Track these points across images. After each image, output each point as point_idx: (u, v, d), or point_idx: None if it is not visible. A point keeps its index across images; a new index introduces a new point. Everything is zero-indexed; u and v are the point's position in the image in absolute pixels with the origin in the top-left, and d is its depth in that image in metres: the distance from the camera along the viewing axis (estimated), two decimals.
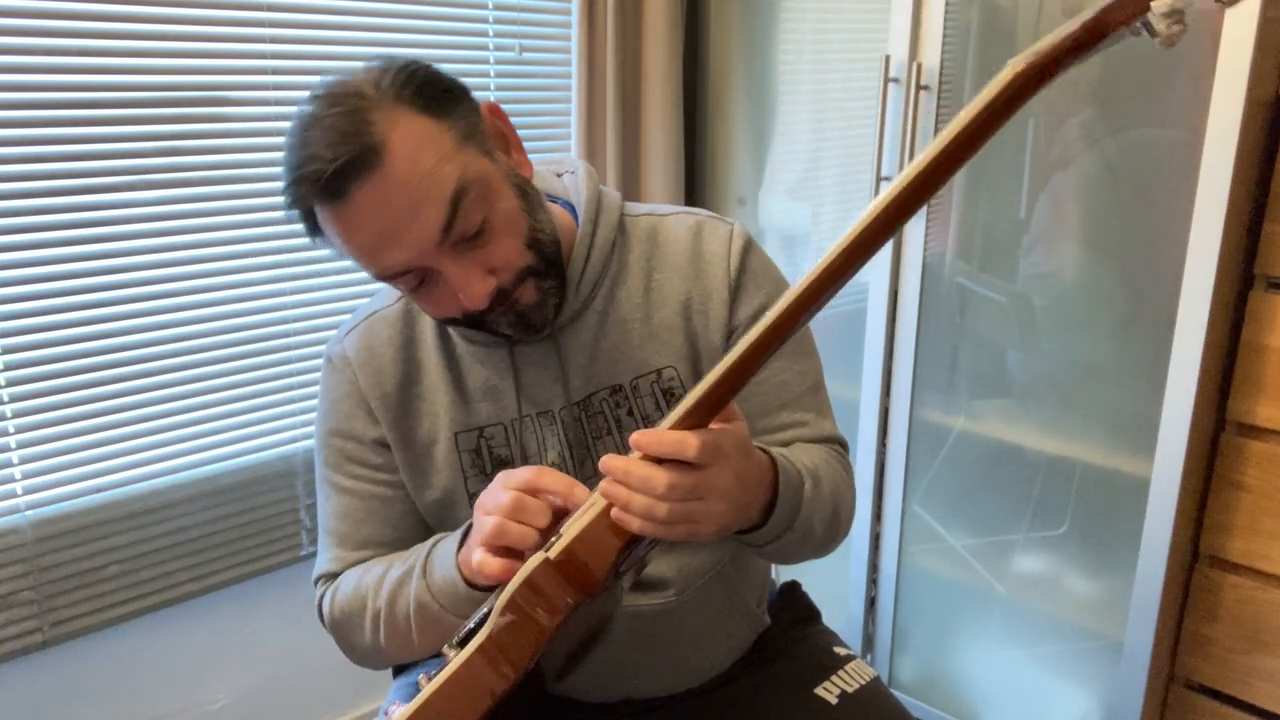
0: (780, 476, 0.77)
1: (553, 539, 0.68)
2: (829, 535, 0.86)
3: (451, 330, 0.89)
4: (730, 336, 0.91)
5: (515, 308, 0.81)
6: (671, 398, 0.91)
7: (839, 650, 1.02)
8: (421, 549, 0.83)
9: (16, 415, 1.35)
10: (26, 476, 1.38)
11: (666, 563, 0.91)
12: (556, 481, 0.70)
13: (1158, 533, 1.40)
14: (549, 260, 0.82)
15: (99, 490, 1.44)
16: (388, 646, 0.85)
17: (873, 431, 1.75)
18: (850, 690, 0.96)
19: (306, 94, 0.76)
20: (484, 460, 0.90)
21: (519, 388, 0.89)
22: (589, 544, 0.67)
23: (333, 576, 0.92)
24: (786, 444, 0.91)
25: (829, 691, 0.96)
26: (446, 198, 0.74)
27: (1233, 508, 1.40)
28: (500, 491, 0.72)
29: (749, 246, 0.92)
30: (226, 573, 1.58)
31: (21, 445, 1.37)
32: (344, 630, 0.89)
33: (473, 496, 0.91)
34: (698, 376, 0.91)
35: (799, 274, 0.64)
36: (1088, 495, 1.54)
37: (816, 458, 0.88)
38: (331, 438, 0.92)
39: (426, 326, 0.91)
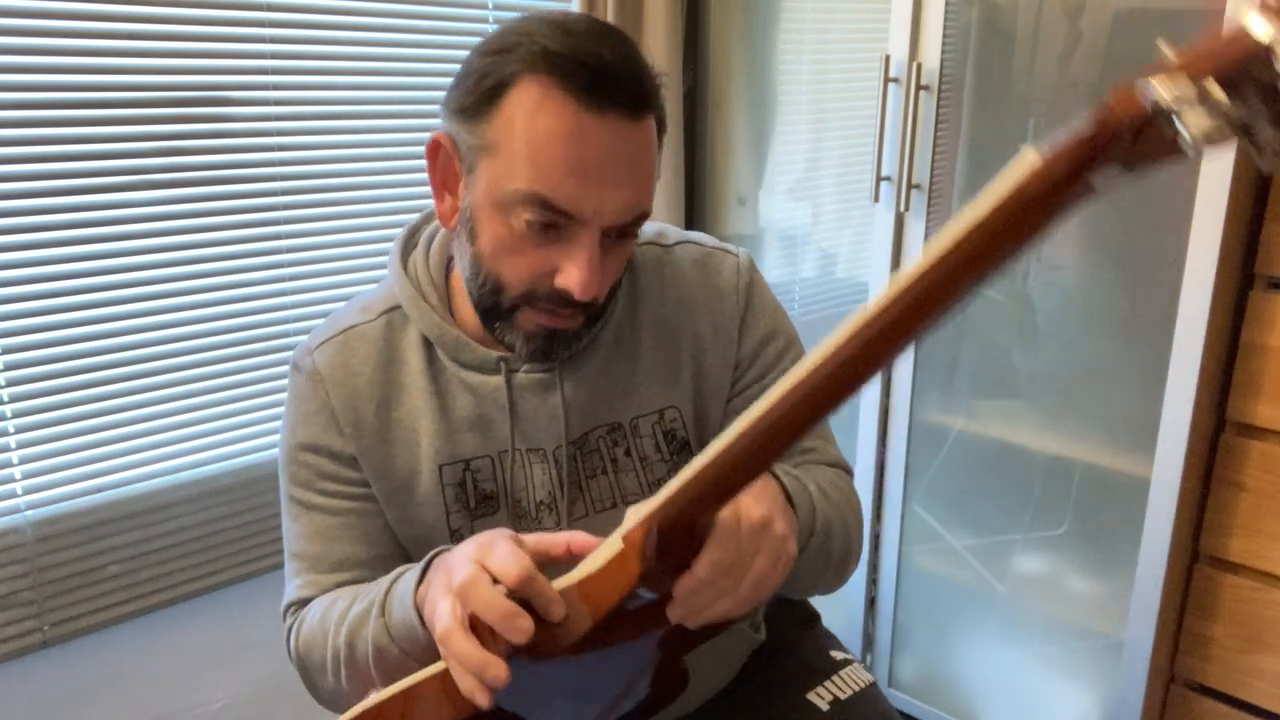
0: (785, 484, 0.76)
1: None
2: (844, 551, 0.83)
3: (440, 353, 0.85)
4: (735, 369, 0.89)
5: (560, 325, 0.78)
6: (673, 440, 0.88)
7: (835, 654, 1.02)
8: (382, 583, 0.77)
9: (16, 415, 1.35)
10: (26, 476, 1.38)
11: None
12: (542, 596, 0.62)
13: (1158, 533, 1.40)
14: (604, 309, 0.81)
15: (99, 490, 1.44)
16: (350, 690, 0.79)
17: (873, 431, 1.75)
18: (843, 696, 0.96)
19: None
20: (468, 495, 0.86)
21: (514, 421, 0.84)
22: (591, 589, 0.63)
23: (304, 603, 0.86)
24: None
25: (821, 697, 0.95)
26: (649, 194, 0.75)
27: (1233, 508, 1.40)
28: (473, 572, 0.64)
29: (754, 279, 0.91)
30: (226, 573, 1.58)
31: (21, 445, 1.37)
32: (307, 669, 0.83)
33: (455, 534, 0.87)
34: (699, 418, 0.90)
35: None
36: (1088, 495, 1.54)
37: (821, 477, 0.86)
38: (301, 452, 0.86)
39: (410, 346, 0.85)
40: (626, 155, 0.72)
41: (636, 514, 0.62)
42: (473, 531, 0.88)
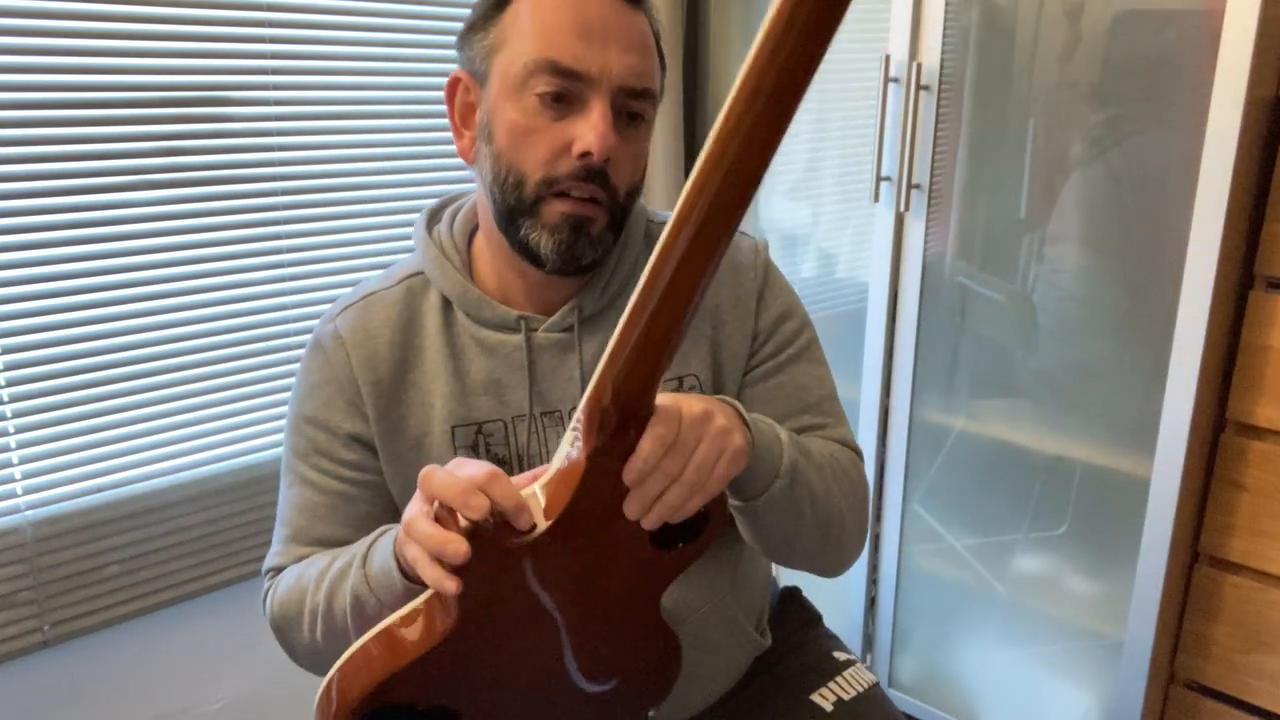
0: (741, 412, 0.75)
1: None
2: (825, 516, 0.82)
3: (461, 314, 0.86)
4: (753, 340, 0.91)
5: (583, 211, 0.79)
6: None
7: (839, 655, 1.02)
8: (365, 540, 0.79)
9: (16, 415, 1.35)
10: (26, 476, 1.38)
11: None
12: (506, 497, 0.64)
13: (1158, 533, 1.40)
14: (624, 213, 0.83)
15: (99, 490, 1.44)
16: (325, 647, 0.80)
17: (873, 431, 1.75)
18: (847, 697, 0.96)
19: None
20: (480, 458, 0.86)
21: (532, 380, 0.86)
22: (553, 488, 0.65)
23: (280, 571, 0.88)
24: None
25: (825, 698, 0.96)
26: (655, 75, 0.81)
27: (1233, 508, 1.40)
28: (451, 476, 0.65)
29: (769, 260, 0.95)
30: (226, 573, 1.58)
31: (21, 445, 1.37)
32: (283, 628, 0.85)
33: None
34: (716, 388, 0.91)
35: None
36: (1088, 495, 1.54)
37: (813, 442, 0.86)
38: (304, 424, 0.88)
39: (429, 310, 0.87)
40: (627, 28, 0.77)
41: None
42: None
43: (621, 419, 0.63)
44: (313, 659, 0.84)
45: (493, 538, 0.63)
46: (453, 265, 0.87)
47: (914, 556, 1.77)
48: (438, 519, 0.64)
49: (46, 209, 1.33)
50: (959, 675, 1.77)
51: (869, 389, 1.74)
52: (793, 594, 1.11)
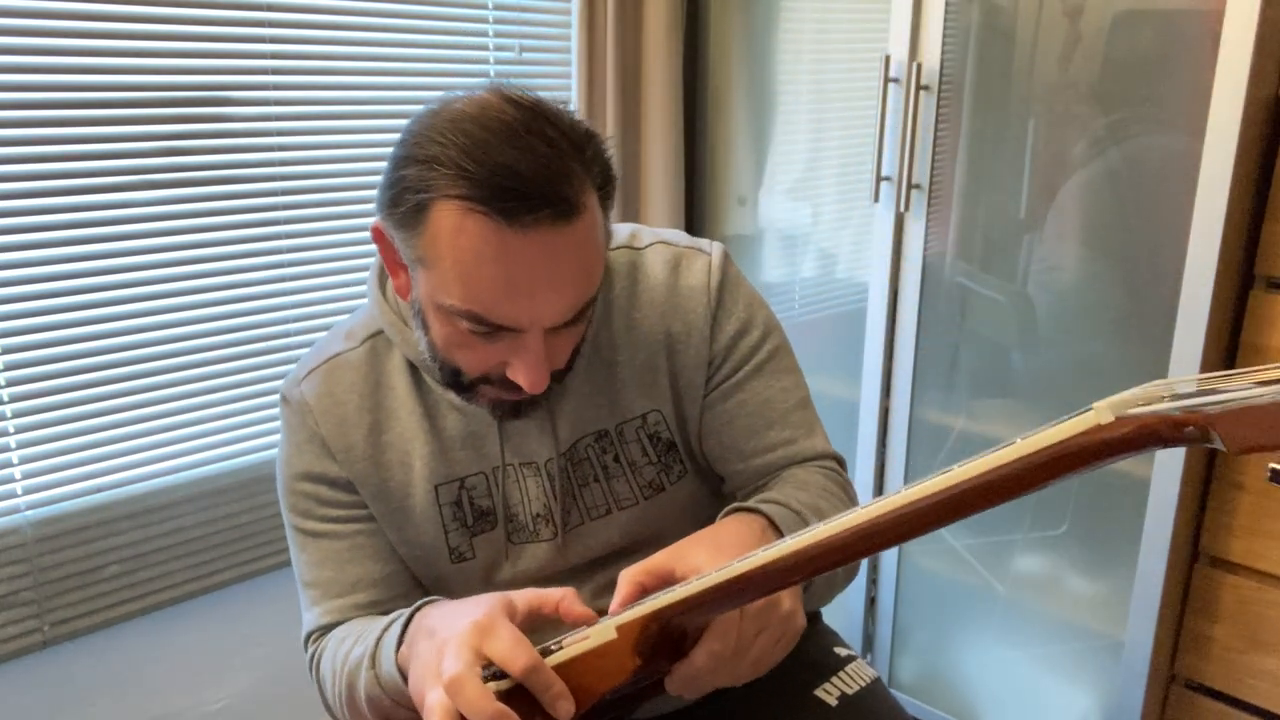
0: (779, 527, 0.75)
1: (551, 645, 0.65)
2: (854, 566, 0.83)
3: (426, 376, 0.85)
4: (709, 365, 0.89)
5: (522, 398, 0.78)
6: (658, 442, 0.89)
7: (839, 651, 1.02)
8: (374, 630, 0.78)
9: (16, 415, 1.35)
10: (26, 476, 1.38)
11: None
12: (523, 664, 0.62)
13: (1158, 533, 1.40)
14: (569, 365, 0.81)
15: (99, 490, 1.44)
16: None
17: (873, 431, 1.75)
18: (850, 692, 0.96)
19: (493, 91, 0.71)
20: (465, 513, 0.87)
21: (503, 437, 0.85)
22: (580, 672, 0.63)
23: (326, 630, 0.87)
24: (775, 465, 0.90)
25: (828, 693, 0.96)
26: (588, 294, 0.73)
27: (1233, 508, 1.40)
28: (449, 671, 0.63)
29: (725, 275, 0.89)
30: (226, 573, 1.58)
31: (21, 445, 1.37)
32: (325, 701, 0.85)
33: (454, 551, 0.88)
34: (680, 418, 0.90)
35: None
36: (1088, 495, 1.54)
37: (812, 488, 0.85)
38: (299, 483, 0.87)
39: (395, 370, 0.86)
40: (560, 261, 0.70)
41: (632, 609, 0.62)
42: (472, 549, 0.89)
43: (671, 639, 0.62)
44: None
45: None
46: (411, 329, 0.84)
47: (914, 556, 1.77)
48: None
49: (46, 209, 1.33)
50: (959, 675, 1.77)
51: (869, 389, 1.74)
52: None
